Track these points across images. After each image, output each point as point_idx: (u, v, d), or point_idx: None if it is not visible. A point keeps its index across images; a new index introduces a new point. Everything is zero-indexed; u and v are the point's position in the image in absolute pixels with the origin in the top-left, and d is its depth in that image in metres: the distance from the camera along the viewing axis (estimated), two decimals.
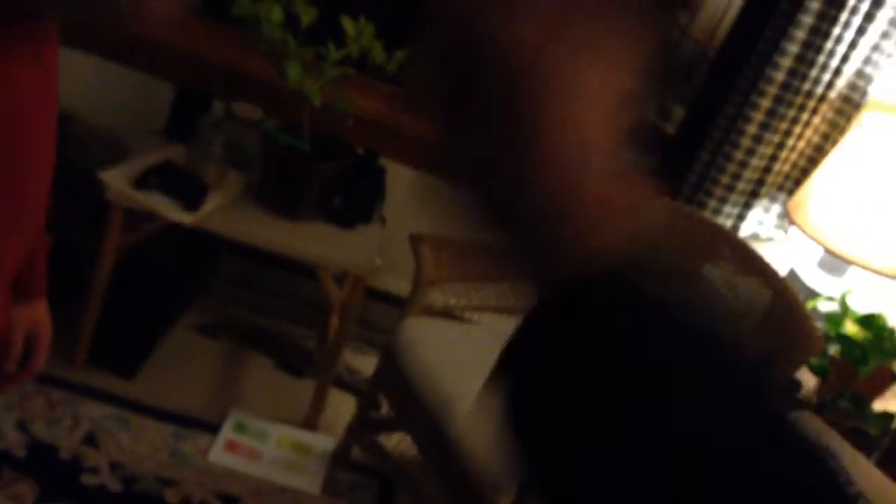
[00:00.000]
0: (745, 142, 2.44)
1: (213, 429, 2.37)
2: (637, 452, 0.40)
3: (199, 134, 2.27)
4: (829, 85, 2.39)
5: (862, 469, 2.00)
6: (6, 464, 2.06)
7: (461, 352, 2.20)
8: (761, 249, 2.29)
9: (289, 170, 2.25)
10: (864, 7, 2.28)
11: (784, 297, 2.10)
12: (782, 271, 2.21)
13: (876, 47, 2.35)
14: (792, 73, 2.36)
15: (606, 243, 0.43)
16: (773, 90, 2.38)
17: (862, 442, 2.14)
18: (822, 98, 2.41)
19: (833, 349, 2.27)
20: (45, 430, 2.19)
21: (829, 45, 2.32)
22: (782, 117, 2.41)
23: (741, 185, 2.50)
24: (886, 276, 2.21)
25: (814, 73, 2.36)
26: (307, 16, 2.10)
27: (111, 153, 2.28)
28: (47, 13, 0.61)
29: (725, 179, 2.49)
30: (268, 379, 2.65)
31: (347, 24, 2.10)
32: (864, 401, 2.25)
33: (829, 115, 2.45)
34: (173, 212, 2.14)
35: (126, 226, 2.22)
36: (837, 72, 2.37)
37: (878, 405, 2.31)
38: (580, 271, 0.43)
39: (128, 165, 2.20)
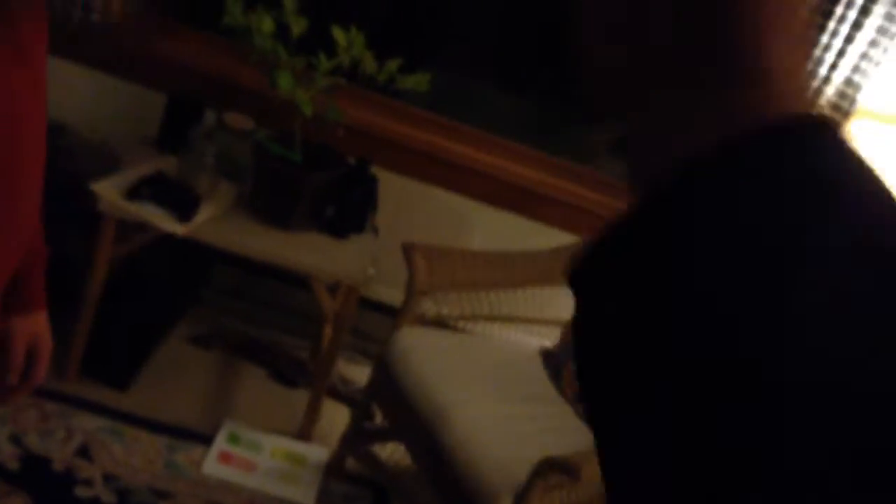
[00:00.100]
0: None
1: (207, 440, 2.36)
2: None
3: (190, 145, 2.27)
4: (818, 93, 2.41)
5: None
6: (0, 476, 2.06)
7: (455, 361, 2.20)
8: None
9: (281, 180, 2.25)
10: (852, 15, 2.29)
11: None
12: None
13: (864, 55, 2.36)
14: None
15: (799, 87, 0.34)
16: None
17: None
18: None
19: None
20: (38, 442, 2.18)
21: (817, 53, 2.33)
22: None
23: None
24: None
25: None
26: (298, 26, 2.10)
27: (103, 164, 2.29)
28: None
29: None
30: (261, 390, 2.65)
31: (338, 34, 2.11)
32: None
33: None
34: (166, 222, 2.14)
35: (118, 237, 2.22)
36: (826, 80, 2.39)
37: None
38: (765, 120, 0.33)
39: (120, 176, 2.20)
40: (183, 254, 2.45)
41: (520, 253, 2.38)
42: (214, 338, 2.73)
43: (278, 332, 2.83)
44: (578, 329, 0.35)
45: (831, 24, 2.29)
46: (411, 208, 2.69)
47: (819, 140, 0.33)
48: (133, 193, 2.15)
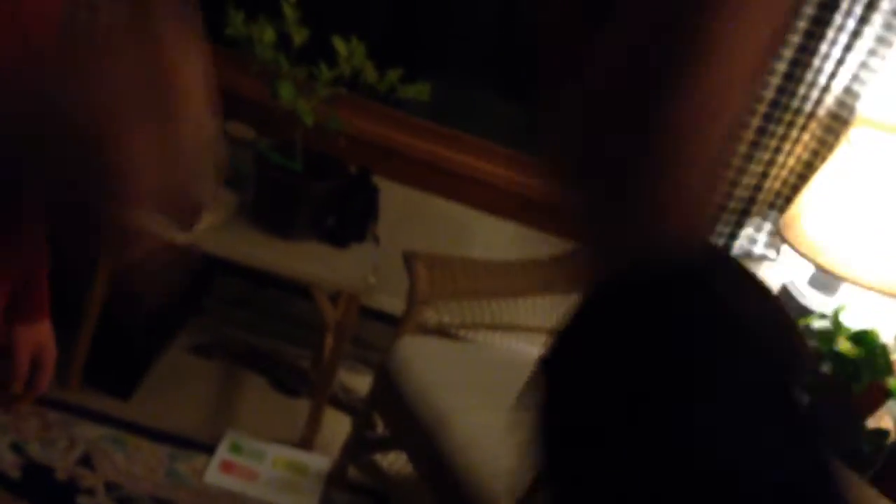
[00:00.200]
0: (736, 160, 2.46)
1: (209, 449, 2.37)
2: (690, 458, 0.38)
3: None
4: (818, 102, 2.41)
5: (857, 488, 2.00)
6: (1, 485, 2.06)
7: (456, 370, 2.21)
8: (754, 267, 2.31)
9: (282, 189, 2.26)
10: (851, 25, 2.30)
11: None
12: (775, 289, 2.22)
13: (863, 64, 2.37)
14: (781, 90, 2.38)
15: (694, 227, 0.40)
16: (762, 108, 2.40)
17: (855, 460, 2.14)
18: (811, 115, 2.43)
19: (826, 366, 2.27)
20: (40, 451, 2.18)
21: (816, 62, 2.34)
22: (772, 135, 2.43)
23: (733, 204, 2.52)
24: (878, 292, 2.22)
25: (802, 90, 2.38)
26: (299, 36, 2.12)
27: None
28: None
29: (717, 198, 2.51)
30: (263, 399, 2.65)
31: (339, 44, 2.12)
32: (857, 418, 2.26)
33: (818, 132, 2.47)
34: (167, 232, 2.14)
35: None
36: (826, 89, 2.39)
37: (872, 422, 2.32)
38: (660, 255, 0.39)
39: None
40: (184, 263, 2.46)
41: (520, 261, 2.39)
42: (216, 347, 2.74)
43: (280, 341, 2.84)
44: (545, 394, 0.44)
45: (830, 34, 2.30)
46: (412, 217, 2.70)
47: (724, 274, 0.40)
48: None
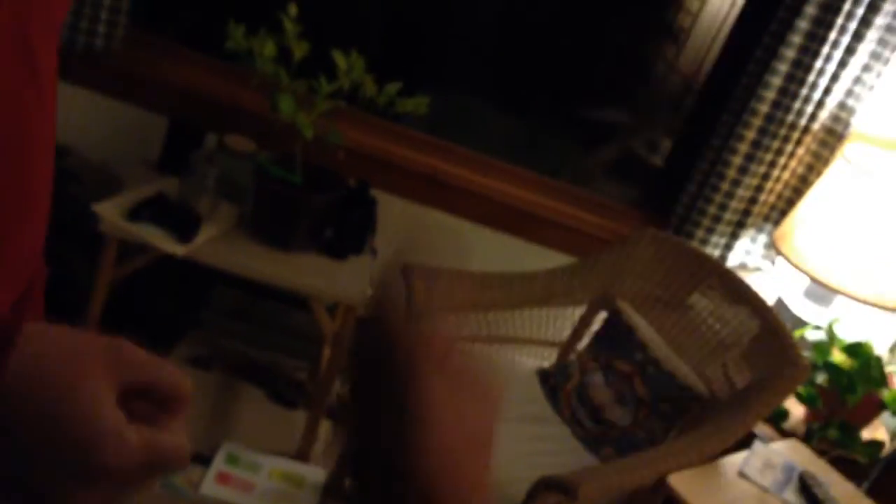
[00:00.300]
0: (731, 173, 2.48)
1: (205, 461, 2.37)
2: None
3: (192, 167, 2.30)
4: (813, 117, 2.44)
5: (852, 498, 2.01)
6: None
7: None
8: (749, 279, 2.32)
9: (281, 202, 2.27)
10: (846, 40, 2.33)
11: (771, 326, 2.13)
12: (769, 301, 2.24)
13: (858, 80, 2.40)
14: (776, 105, 2.41)
15: None
16: (757, 122, 2.42)
17: (851, 471, 2.16)
18: (806, 129, 2.46)
19: (820, 378, 2.29)
20: None
21: (811, 77, 2.36)
22: (767, 149, 2.45)
23: (728, 216, 2.54)
24: (872, 305, 2.24)
25: (797, 105, 2.40)
26: (299, 50, 2.13)
27: (105, 186, 2.31)
28: None
29: (712, 210, 2.53)
30: (260, 410, 2.66)
31: (339, 58, 2.13)
32: (852, 429, 2.27)
33: (813, 146, 2.49)
34: (166, 243, 2.16)
35: (119, 258, 2.24)
36: (820, 104, 2.42)
37: (867, 433, 2.33)
38: None
39: (121, 198, 2.22)
40: (183, 275, 2.47)
41: (517, 274, 2.40)
42: (213, 359, 2.74)
43: (277, 352, 2.84)
44: None
45: (825, 49, 2.33)
46: (410, 230, 2.71)
47: None
48: (134, 214, 2.17)
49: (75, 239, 2.23)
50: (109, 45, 2.46)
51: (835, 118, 2.45)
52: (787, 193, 2.57)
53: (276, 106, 2.12)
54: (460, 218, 2.71)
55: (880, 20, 2.30)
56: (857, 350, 2.29)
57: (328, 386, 2.39)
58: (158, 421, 0.60)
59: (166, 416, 0.61)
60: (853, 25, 2.31)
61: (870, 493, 2.22)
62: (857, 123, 2.44)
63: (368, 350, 0.51)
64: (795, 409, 2.36)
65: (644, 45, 3.38)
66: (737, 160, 2.47)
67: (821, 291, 2.39)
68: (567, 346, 2.49)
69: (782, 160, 2.49)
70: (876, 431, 2.38)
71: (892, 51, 2.35)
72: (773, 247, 2.53)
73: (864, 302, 2.23)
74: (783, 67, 2.37)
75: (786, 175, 2.54)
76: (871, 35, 2.32)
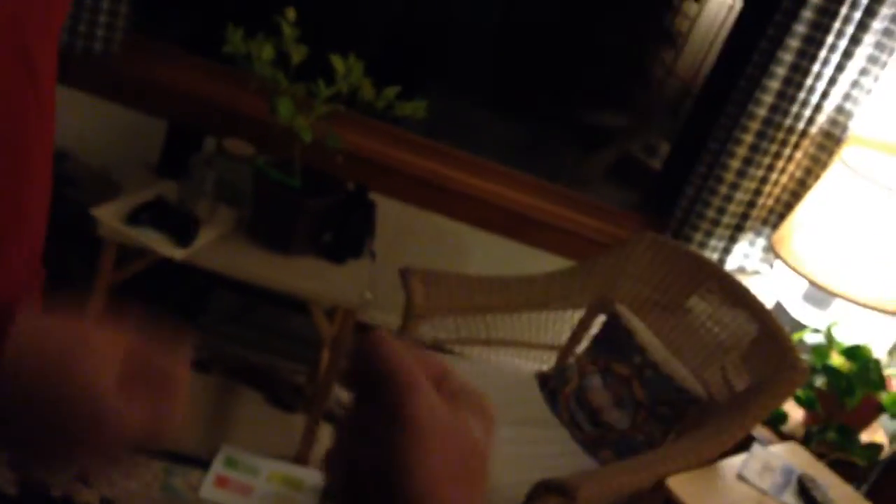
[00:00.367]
0: (730, 176, 2.49)
1: (204, 464, 2.37)
2: None
3: (190, 170, 2.30)
4: (810, 120, 2.44)
5: (850, 501, 2.01)
6: None
7: None
8: (747, 282, 2.32)
9: (280, 205, 2.27)
10: (843, 45, 2.33)
11: (770, 329, 2.13)
12: (768, 304, 2.24)
13: (855, 84, 2.40)
14: (773, 109, 2.41)
15: None
16: (755, 126, 2.43)
17: (850, 473, 2.16)
18: (804, 133, 2.46)
19: (819, 381, 2.29)
20: None
21: (809, 81, 2.37)
22: (765, 152, 2.46)
23: (726, 219, 2.54)
24: (870, 308, 2.24)
25: (795, 108, 2.40)
26: (298, 54, 2.14)
27: (104, 190, 2.31)
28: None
29: (711, 213, 2.53)
30: (259, 414, 2.66)
31: (337, 61, 2.14)
32: (850, 432, 2.27)
33: (811, 149, 2.50)
34: (165, 247, 2.16)
35: (119, 262, 2.24)
36: (818, 108, 2.42)
37: (865, 436, 2.33)
38: None
39: (120, 202, 2.22)
40: (182, 278, 2.47)
41: (516, 277, 2.41)
42: (212, 362, 2.74)
43: (276, 356, 2.84)
44: None
45: (822, 53, 2.33)
46: (408, 233, 2.72)
47: None
48: (133, 218, 2.17)
49: (74, 243, 2.23)
50: (108, 49, 2.47)
51: (832, 122, 2.46)
52: (786, 197, 2.57)
53: (275, 109, 2.12)
54: (459, 221, 2.71)
55: (877, 24, 2.31)
56: (855, 353, 2.29)
57: (327, 389, 2.39)
58: (153, 398, 0.66)
59: (161, 394, 0.67)
60: (850, 29, 2.31)
61: (868, 495, 2.22)
62: (854, 127, 2.45)
63: (364, 369, 0.52)
64: (794, 412, 2.36)
65: (642, 50, 3.38)
66: (735, 164, 2.47)
67: (819, 295, 2.39)
68: (566, 350, 2.49)
69: (780, 164, 2.50)
70: (874, 434, 2.39)
71: (890, 55, 2.36)
72: (771, 250, 2.53)
73: (863, 305, 2.23)
74: (781, 71, 2.37)
75: (784, 179, 2.54)
76: (869, 39, 2.33)
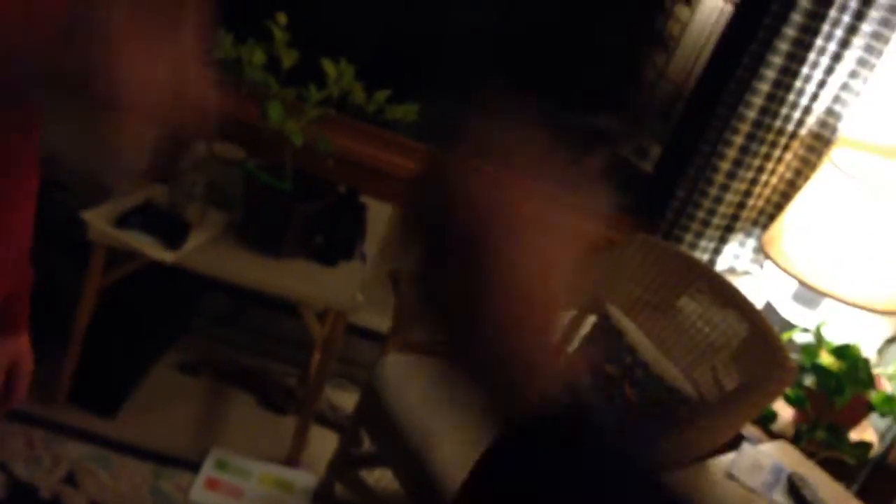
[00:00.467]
0: (720, 178, 2.49)
1: (195, 467, 2.37)
2: None
3: (180, 174, 2.30)
4: (800, 123, 2.45)
5: (840, 500, 2.02)
6: None
7: (441, 387, 2.22)
8: (737, 283, 2.33)
9: (270, 209, 2.27)
10: (833, 47, 2.35)
11: (760, 329, 2.13)
12: (758, 304, 2.25)
13: (845, 86, 2.41)
14: (763, 111, 2.42)
15: (546, 384, 0.51)
16: (745, 128, 2.44)
17: (839, 472, 2.16)
18: (794, 135, 2.47)
19: (809, 380, 2.30)
20: (24, 469, 2.18)
21: (799, 83, 2.38)
22: (755, 154, 2.47)
23: (716, 220, 2.55)
24: (859, 307, 2.25)
25: (784, 111, 2.42)
26: (288, 58, 2.14)
27: (93, 194, 2.31)
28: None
29: (701, 214, 2.54)
30: (250, 416, 2.65)
31: (328, 65, 2.14)
32: (840, 430, 2.28)
33: (801, 151, 2.51)
34: (154, 250, 2.16)
35: (108, 265, 2.24)
36: (807, 110, 2.43)
37: (855, 434, 2.34)
38: (530, 407, 0.50)
39: (109, 205, 2.22)
40: (172, 282, 2.47)
41: None
42: (203, 365, 2.74)
43: (267, 358, 2.84)
44: None
45: (812, 56, 2.34)
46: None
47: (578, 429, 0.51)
48: (122, 222, 2.17)
49: (64, 246, 2.22)
50: None
51: (822, 124, 2.47)
52: (776, 198, 2.58)
53: (266, 113, 2.13)
54: None
55: (867, 27, 2.32)
56: (844, 352, 2.30)
57: (318, 391, 2.39)
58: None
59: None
60: (839, 33, 2.33)
61: (859, 494, 2.23)
62: (844, 129, 2.46)
63: (433, 203, 0.49)
64: (784, 411, 2.37)
65: (634, 53, 3.39)
66: (725, 166, 2.48)
67: (809, 295, 2.40)
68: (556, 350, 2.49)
69: (770, 165, 2.51)
70: (864, 433, 2.39)
71: (879, 57, 2.37)
72: (761, 251, 2.54)
73: (852, 305, 2.24)
74: (771, 74, 2.38)
75: (774, 180, 2.55)
76: (858, 42, 2.34)
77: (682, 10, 3.42)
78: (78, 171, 2.55)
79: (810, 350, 2.33)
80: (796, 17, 2.32)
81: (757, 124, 2.44)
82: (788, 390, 2.26)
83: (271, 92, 2.14)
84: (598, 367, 2.27)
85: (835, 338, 2.36)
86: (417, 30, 2.91)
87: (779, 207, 2.55)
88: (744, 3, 2.57)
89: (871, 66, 2.38)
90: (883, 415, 2.31)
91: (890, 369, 2.44)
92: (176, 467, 2.35)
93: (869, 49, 2.36)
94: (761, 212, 2.60)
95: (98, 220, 2.16)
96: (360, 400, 2.27)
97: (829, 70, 2.38)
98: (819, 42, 2.33)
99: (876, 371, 2.33)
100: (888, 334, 2.61)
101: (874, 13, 2.30)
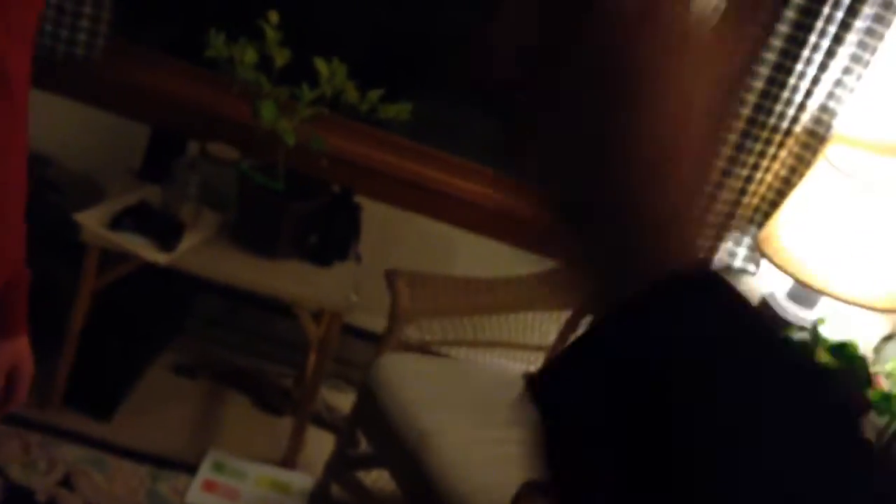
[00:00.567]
0: (714, 176, 2.49)
1: (191, 469, 2.36)
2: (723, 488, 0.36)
3: (174, 175, 2.29)
4: (794, 120, 2.45)
5: None
6: None
7: (438, 387, 2.21)
8: (733, 281, 2.32)
9: (264, 209, 2.27)
10: (826, 44, 2.34)
11: None
12: (754, 302, 2.24)
13: (839, 83, 2.41)
14: (758, 108, 2.42)
15: (690, 247, 0.40)
16: (740, 125, 2.43)
17: None
18: (788, 132, 2.47)
19: None
20: (20, 473, 2.17)
21: (792, 80, 2.37)
22: (750, 151, 2.46)
23: (712, 218, 2.54)
24: (856, 305, 2.24)
25: (779, 108, 2.41)
26: (281, 57, 2.13)
27: (87, 195, 2.30)
28: None
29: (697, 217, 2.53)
30: (246, 418, 2.65)
31: (321, 64, 2.13)
32: None
33: (796, 148, 2.50)
34: (148, 252, 2.15)
35: (102, 267, 2.23)
36: (802, 107, 2.43)
37: None
38: (666, 273, 0.38)
39: (103, 206, 2.21)
40: (166, 283, 2.46)
41: (502, 278, 2.40)
42: (198, 367, 2.73)
43: (262, 360, 2.83)
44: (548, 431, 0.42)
45: (805, 53, 2.34)
46: (394, 235, 2.71)
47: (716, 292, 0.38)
48: (116, 223, 2.16)
49: (57, 248, 2.21)
50: (90, 54, 2.45)
51: (816, 121, 2.46)
52: (771, 196, 2.57)
53: (258, 113, 2.12)
54: (444, 223, 2.71)
55: (860, 23, 2.31)
56: (842, 350, 2.30)
57: (314, 392, 2.38)
58: None
59: None
60: (833, 29, 2.32)
61: None
62: (838, 126, 2.45)
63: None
64: None
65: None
66: (720, 163, 2.48)
67: (805, 292, 2.40)
68: (553, 350, 2.49)
69: (765, 163, 2.50)
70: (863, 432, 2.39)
71: (873, 53, 2.36)
72: (757, 249, 2.53)
73: (849, 302, 2.24)
74: (764, 71, 2.38)
75: (769, 178, 2.55)
76: (851, 38, 2.33)
77: None
78: (71, 172, 2.55)
79: (807, 348, 2.32)
80: (789, 14, 2.32)
81: (751, 122, 2.43)
82: None
83: (264, 91, 2.13)
84: None
85: (832, 336, 2.36)
86: (409, 28, 2.90)
87: (774, 205, 2.55)
88: None
89: (866, 63, 2.37)
90: (881, 413, 2.30)
91: (888, 367, 2.44)
92: (172, 469, 2.34)
93: (863, 45, 2.35)
94: (756, 210, 2.59)
95: (91, 222, 2.15)
96: (356, 400, 2.26)
97: (824, 67, 2.38)
98: (813, 38, 2.32)
99: (873, 369, 2.33)
100: (885, 332, 2.61)
101: (867, 9, 2.30)
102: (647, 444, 0.37)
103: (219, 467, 2.39)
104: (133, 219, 2.18)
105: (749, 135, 2.44)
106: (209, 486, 2.32)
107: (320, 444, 2.54)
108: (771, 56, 2.36)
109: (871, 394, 2.30)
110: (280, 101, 2.15)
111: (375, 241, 2.60)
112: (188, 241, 2.21)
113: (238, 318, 2.83)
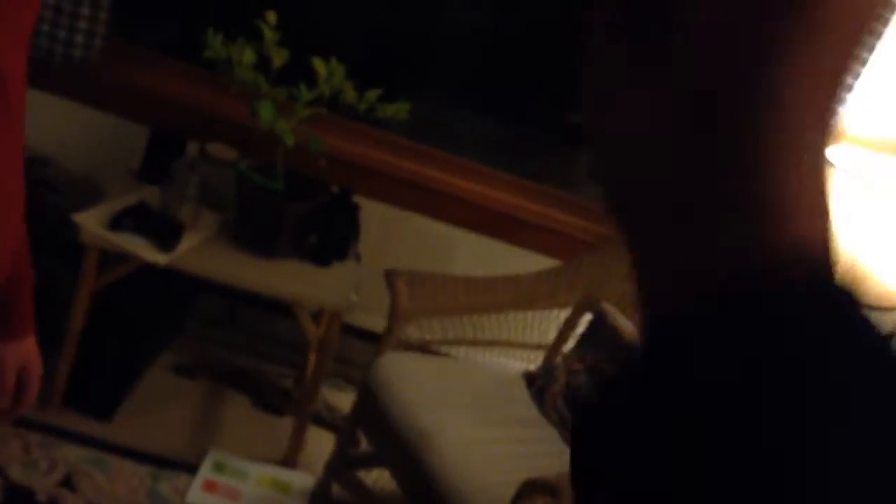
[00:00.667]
0: None
1: (192, 469, 2.36)
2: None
3: (173, 175, 2.29)
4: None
5: None
6: None
7: (438, 386, 2.22)
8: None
9: (263, 209, 2.27)
10: None
11: None
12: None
13: None
14: None
15: (805, 231, 0.30)
16: None
17: None
18: None
19: None
20: (21, 473, 2.17)
21: None
22: None
23: None
24: None
25: None
26: (279, 57, 2.13)
27: (86, 196, 2.30)
28: None
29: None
30: (246, 418, 2.65)
31: (319, 65, 2.13)
32: None
33: None
34: (148, 252, 2.15)
35: (101, 267, 2.23)
36: None
37: None
38: (770, 263, 0.29)
39: (102, 207, 2.22)
40: (166, 283, 2.46)
41: (502, 277, 2.40)
42: (198, 367, 2.73)
43: (262, 360, 2.84)
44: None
45: None
46: (393, 235, 2.71)
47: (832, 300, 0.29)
48: (115, 224, 2.16)
49: (57, 249, 2.22)
50: (89, 55, 2.45)
51: None
52: None
53: (257, 113, 2.12)
54: (444, 222, 2.71)
55: None
56: None
57: (314, 392, 2.38)
58: None
59: None
60: None
61: None
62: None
63: None
64: None
65: None
66: None
67: None
68: (553, 349, 2.49)
69: None
70: None
71: (872, 52, 2.36)
72: None
73: None
74: None
75: None
76: None
77: None
78: (70, 173, 2.55)
79: None
80: None
81: None
82: None
83: (262, 91, 2.13)
84: (594, 365, 2.27)
85: None
86: (408, 28, 2.90)
87: None
88: None
89: (864, 62, 2.37)
90: None
91: None
92: (173, 469, 2.34)
93: (865, 45, 2.35)
94: None
95: (91, 223, 2.15)
96: (357, 400, 2.27)
97: None
98: None
99: None
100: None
101: None
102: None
103: (219, 467, 2.39)
104: (132, 219, 2.18)
105: None
106: (210, 486, 2.32)
107: (321, 444, 2.54)
108: None
109: None
110: (278, 102, 2.15)
111: (375, 240, 2.60)
112: (187, 242, 2.21)
113: (238, 318, 2.83)
